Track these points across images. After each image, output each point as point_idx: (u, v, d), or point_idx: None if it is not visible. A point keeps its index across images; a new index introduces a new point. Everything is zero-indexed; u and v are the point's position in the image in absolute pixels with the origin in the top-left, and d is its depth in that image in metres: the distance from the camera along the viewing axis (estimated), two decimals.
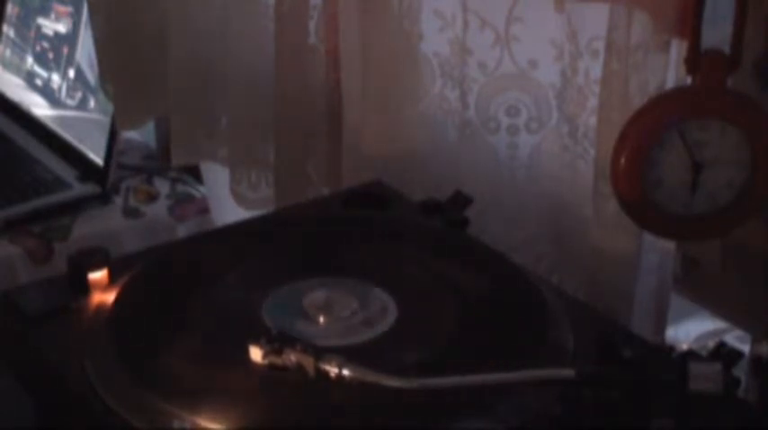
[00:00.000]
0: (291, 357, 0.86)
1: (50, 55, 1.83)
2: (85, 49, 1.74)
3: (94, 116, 1.72)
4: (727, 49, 0.96)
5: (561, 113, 1.19)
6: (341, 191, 1.28)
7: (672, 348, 0.94)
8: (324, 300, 0.96)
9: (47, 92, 1.83)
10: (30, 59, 1.88)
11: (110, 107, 1.66)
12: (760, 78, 1.02)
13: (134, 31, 1.58)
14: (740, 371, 0.89)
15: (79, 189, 1.68)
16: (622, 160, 0.99)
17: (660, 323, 1.19)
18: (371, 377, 0.84)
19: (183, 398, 0.86)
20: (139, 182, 1.74)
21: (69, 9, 1.80)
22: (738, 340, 1.15)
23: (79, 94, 1.76)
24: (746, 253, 1.09)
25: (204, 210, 1.70)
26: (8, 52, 1.93)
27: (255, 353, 0.87)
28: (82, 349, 0.93)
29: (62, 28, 1.81)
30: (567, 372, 0.85)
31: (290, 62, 1.37)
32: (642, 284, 1.15)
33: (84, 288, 1.00)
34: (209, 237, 1.27)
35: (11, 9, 1.94)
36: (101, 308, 0.98)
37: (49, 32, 1.84)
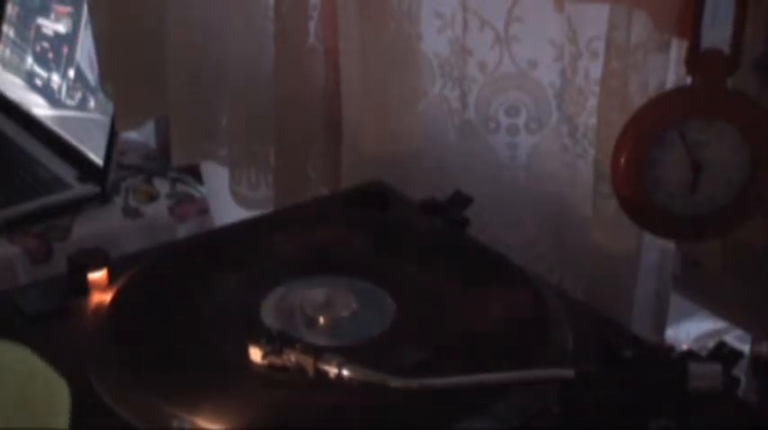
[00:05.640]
0: (291, 357, 0.86)
1: (50, 55, 1.83)
2: (85, 49, 1.74)
3: (94, 116, 1.72)
4: (727, 49, 0.96)
5: (561, 113, 1.19)
6: (341, 191, 1.28)
7: (672, 348, 0.94)
8: (323, 300, 0.96)
9: (47, 92, 1.83)
10: (30, 59, 1.88)
11: (110, 107, 1.66)
12: (760, 78, 1.02)
13: (134, 31, 1.58)
14: (740, 371, 0.89)
15: (79, 189, 1.68)
16: (622, 160, 0.99)
17: (660, 323, 1.19)
18: (371, 377, 0.84)
19: (183, 398, 0.86)
20: (139, 182, 1.74)
21: (69, 9, 1.79)
22: (738, 340, 1.15)
23: (79, 94, 1.76)
24: (746, 253, 1.09)
25: (204, 210, 1.70)
26: (8, 52, 1.93)
27: (255, 354, 0.87)
28: (81, 349, 0.93)
29: (62, 28, 1.81)
30: (567, 372, 0.85)
31: (290, 62, 1.37)
32: (642, 284, 1.15)
33: (84, 288, 1.00)
34: (209, 237, 1.27)
35: (11, 9, 1.93)
36: (100, 308, 0.98)
37: (49, 32, 1.84)
